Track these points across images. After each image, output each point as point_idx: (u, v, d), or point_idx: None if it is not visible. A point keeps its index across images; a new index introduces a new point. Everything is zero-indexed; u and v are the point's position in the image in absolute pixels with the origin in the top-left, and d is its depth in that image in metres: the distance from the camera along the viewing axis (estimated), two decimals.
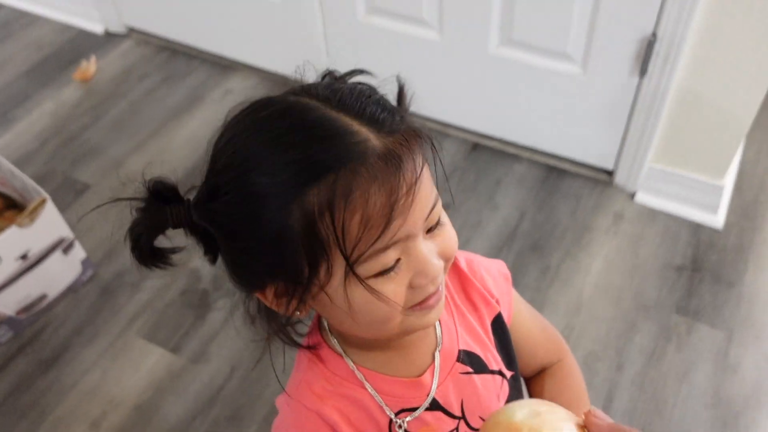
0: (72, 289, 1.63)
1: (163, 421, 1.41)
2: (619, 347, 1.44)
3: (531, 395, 0.81)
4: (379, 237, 0.49)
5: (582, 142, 1.73)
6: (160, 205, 0.54)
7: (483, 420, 0.67)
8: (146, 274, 1.63)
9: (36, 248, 1.49)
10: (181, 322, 1.57)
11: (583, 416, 0.45)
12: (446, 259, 0.56)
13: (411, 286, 0.53)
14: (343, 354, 0.64)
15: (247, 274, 0.56)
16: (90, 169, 1.92)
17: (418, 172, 0.50)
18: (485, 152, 1.86)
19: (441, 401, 0.66)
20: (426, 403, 0.65)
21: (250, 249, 0.53)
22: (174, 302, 1.60)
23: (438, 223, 0.55)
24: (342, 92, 0.52)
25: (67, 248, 1.56)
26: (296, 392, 0.65)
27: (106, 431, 1.40)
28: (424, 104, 2.06)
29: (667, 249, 1.61)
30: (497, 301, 0.72)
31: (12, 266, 1.46)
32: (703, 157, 1.58)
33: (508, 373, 0.72)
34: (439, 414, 0.66)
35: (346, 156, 0.48)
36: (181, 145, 1.97)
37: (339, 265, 0.50)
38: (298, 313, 0.56)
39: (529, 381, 0.83)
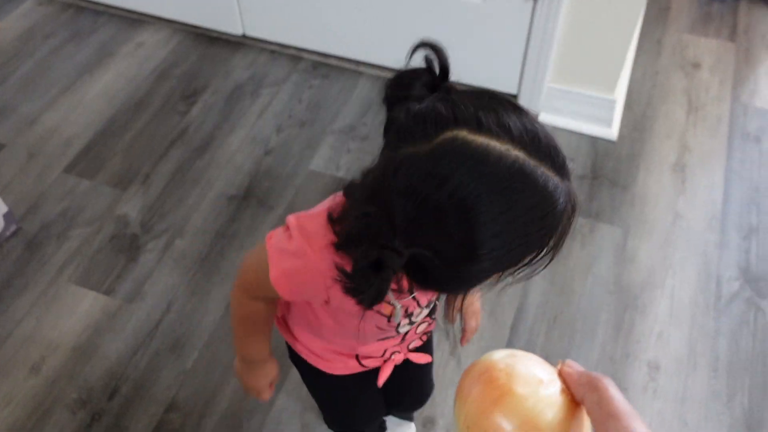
0: None
1: (104, 359, 1.44)
2: None
3: None
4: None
5: (486, 69, 1.84)
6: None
7: (427, 299, 0.80)
8: (72, 224, 1.65)
9: None
10: (112, 265, 1.59)
11: (558, 365, 0.51)
12: None
13: None
14: None
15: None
16: (2, 128, 1.89)
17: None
18: None
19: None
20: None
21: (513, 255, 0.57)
22: (104, 248, 1.62)
23: None
24: (541, 144, 0.54)
25: None
26: (325, 247, 0.67)
27: (47, 373, 1.42)
28: (339, 45, 2.13)
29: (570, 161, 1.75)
30: None
31: None
32: (594, 73, 1.72)
33: None
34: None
35: (560, 217, 0.56)
36: (95, 99, 1.96)
37: None
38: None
39: None
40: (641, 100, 1.91)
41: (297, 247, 0.69)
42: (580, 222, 1.63)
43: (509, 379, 0.45)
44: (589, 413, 0.44)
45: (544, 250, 0.57)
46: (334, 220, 0.63)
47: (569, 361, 0.48)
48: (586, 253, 1.57)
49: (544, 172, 0.53)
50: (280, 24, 2.02)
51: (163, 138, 1.85)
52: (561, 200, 0.54)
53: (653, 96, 1.93)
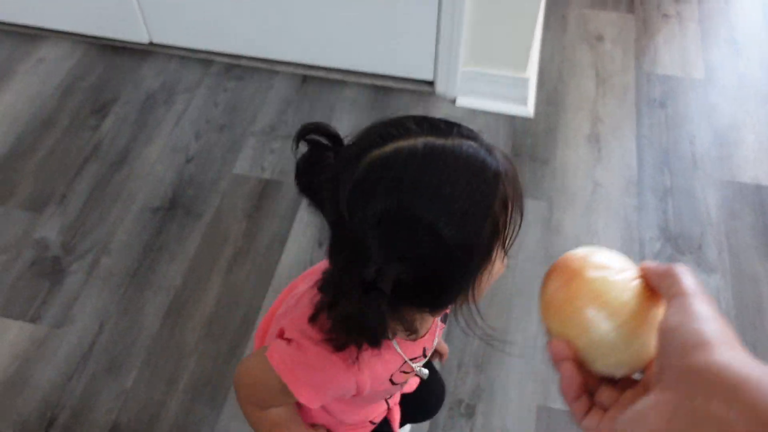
0: None
1: (37, 389, 1.38)
2: None
3: None
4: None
5: (401, 58, 1.86)
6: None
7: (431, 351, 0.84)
8: None
9: None
10: (35, 292, 1.52)
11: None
12: None
13: None
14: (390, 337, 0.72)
15: (454, 290, 0.63)
16: None
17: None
18: (314, 83, 1.94)
19: (426, 349, 0.80)
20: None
21: (468, 261, 0.59)
22: (24, 275, 1.55)
23: None
24: (437, 122, 0.59)
25: None
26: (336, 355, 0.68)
27: None
28: (250, 45, 2.09)
29: (490, 141, 1.78)
30: None
31: None
32: (505, 54, 1.76)
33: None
34: (421, 358, 0.80)
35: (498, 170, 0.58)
36: None
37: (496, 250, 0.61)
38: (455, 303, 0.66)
39: None
40: (552, 76, 1.97)
41: (318, 358, 0.69)
42: None
43: (582, 264, 0.48)
44: (662, 296, 0.46)
45: (508, 209, 0.59)
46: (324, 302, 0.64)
47: (648, 261, 0.50)
48: None
49: (453, 142, 0.57)
50: (187, 29, 1.98)
51: (75, 155, 1.78)
52: (485, 158, 0.57)
53: (563, 71, 1.99)
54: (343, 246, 0.60)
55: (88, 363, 1.41)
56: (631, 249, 1.58)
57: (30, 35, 2.09)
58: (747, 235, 1.62)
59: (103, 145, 1.81)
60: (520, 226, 0.62)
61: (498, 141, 1.79)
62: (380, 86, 1.92)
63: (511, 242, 0.62)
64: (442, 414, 1.33)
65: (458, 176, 0.56)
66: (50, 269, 1.56)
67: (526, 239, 1.60)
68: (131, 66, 2.01)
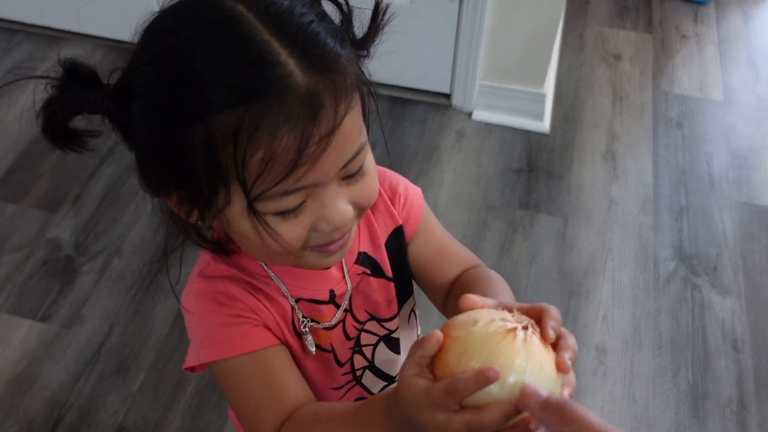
0: None
1: (45, 388, 1.37)
2: (474, 245, 1.60)
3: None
4: (281, 180, 0.47)
5: (419, 71, 1.86)
6: (77, 86, 0.52)
7: (368, 313, 0.71)
8: None
9: None
10: (47, 291, 1.52)
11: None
12: (360, 209, 0.55)
13: (314, 229, 0.53)
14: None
15: (153, 178, 0.54)
16: None
17: (338, 121, 0.48)
18: None
19: (337, 294, 0.67)
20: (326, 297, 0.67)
21: (156, 155, 0.52)
22: (36, 273, 1.55)
23: (359, 172, 0.53)
24: (281, 9, 0.48)
25: None
26: (195, 280, 0.64)
27: None
28: None
29: (506, 156, 1.78)
30: (398, 215, 0.72)
31: None
32: (522, 69, 1.76)
33: (398, 283, 0.73)
34: (331, 306, 0.67)
35: (262, 90, 0.45)
36: (14, 121, 1.88)
37: (238, 195, 0.50)
38: (200, 222, 0.56)
39: (453, 289, 0.74)
40: (569, 93, 1.97)
41: (196, 306, 0.64)
42: (519, 215, 1.66)
43: (447, 329, 0.51)
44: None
45: (240, 146, 0.46)
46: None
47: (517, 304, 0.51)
48: (528, 244, 1.60)
49: (262, 35, 0.46)
50: None
51: (92, 157, 1.79)
52: (277, 72, 0.46)
53: (580, 88, 1.99)
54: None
55: (96, 364, 1.41)
56: (646, 268, 1.57)
57: (51, 37, 2.10)
58: (763, 258, 1.60)
59: (120, 147, 1.81)
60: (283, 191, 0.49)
61: (514, 155, 1.79)
62: (396, 97, 1.92)
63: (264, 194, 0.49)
64: None
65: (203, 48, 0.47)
66: (62, 269, 1.56)
67: (540, 255, 1.58)
68: None
